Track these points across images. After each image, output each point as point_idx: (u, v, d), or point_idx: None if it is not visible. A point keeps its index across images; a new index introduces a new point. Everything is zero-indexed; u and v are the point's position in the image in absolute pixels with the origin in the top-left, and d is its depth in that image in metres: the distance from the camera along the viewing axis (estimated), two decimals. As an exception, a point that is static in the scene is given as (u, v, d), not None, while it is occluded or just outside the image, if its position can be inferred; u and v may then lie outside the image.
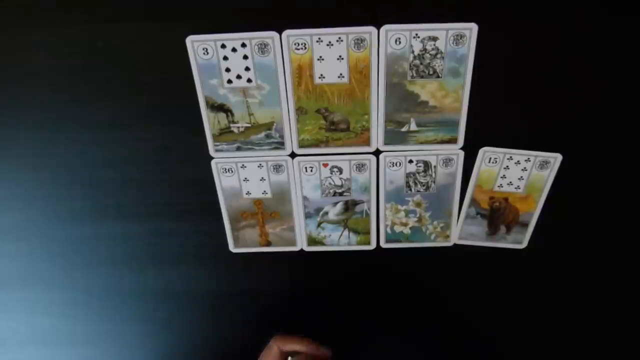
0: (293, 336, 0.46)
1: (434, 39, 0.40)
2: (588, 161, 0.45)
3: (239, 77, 0.42)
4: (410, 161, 0.45)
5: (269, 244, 0.50)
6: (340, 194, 0.47)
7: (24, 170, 0.47)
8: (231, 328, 0.55)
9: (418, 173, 0.46)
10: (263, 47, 0.40)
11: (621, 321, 0.53)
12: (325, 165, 0.45)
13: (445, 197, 0.47)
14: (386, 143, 0.44)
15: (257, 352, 0.50)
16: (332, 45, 0.40)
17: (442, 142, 0.44)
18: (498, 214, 0.47)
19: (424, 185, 0.46)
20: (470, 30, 0.39)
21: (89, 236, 0.50)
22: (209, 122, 0.44)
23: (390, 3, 0.39)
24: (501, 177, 0.45)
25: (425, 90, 0.42)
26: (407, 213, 0.48)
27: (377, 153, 0.45)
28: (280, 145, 0.45)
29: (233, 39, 0.40)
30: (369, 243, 0.49)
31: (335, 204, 0.47)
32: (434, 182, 0.46)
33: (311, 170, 0.46)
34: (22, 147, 0.46)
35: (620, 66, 0.41)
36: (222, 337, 0.55)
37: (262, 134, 0.44)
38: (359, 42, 0.40)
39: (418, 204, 0.47)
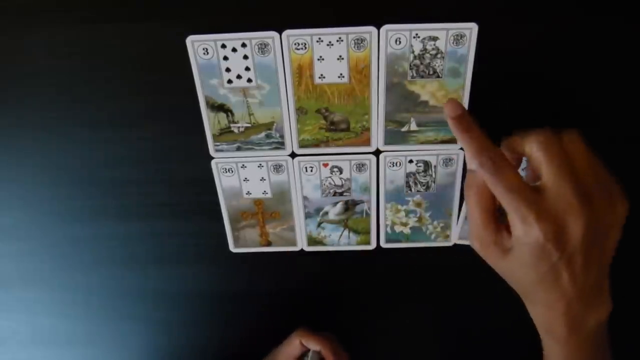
0: (316, 333, 0.47)
1: (434, 39, 0.40)
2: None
3: (239, 77, 0.42)
4: (411, 161, 0.45)
5: (269, 244, 0.50)
6: (341, 194, 0.47)
7: (24, 170, 0.47)
8: (231, 328, 0.55)
9: (418, 173, 0.46)
10: (263, 47, 0.40)
11: (621, 321, 0.53)
12: (326, 165, 0.45)
13: (445, 197, 0.47)
14: (386, 143, 0.44)
15: (257, 352, 0.51)
16: (332, 45, 0.40)
17: (443, 142, 0.44)
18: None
19: (424, 185, 0.46)
20: (470, 30, 0.39)
21: (89, 236, 0.50)
22: (209, 122, 0.44)
23: (390, 3, 0.39)
24: (501, 177, 0.45)
25: (425, 90, 0.42)
26: (407, 213, 0.48)
27: (377, 153, 0.45)
28: (281, 145, 0.45)
29: (233, 39, 0.40)
30: (369, 243, 0.49)
31: (335, 204, 0.47)
32: (434, 182, 0.46)
33: (311, 170, 0.46)
34: (22, 147, 0.46)
35: (622, 66, 0.41)
36: (221, 337, 0.55)
37: (262, 134, 0.44)
38: (359, 42, 0.40)
39: (418, 204, 0.47)
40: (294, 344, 0.47)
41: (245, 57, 0.41)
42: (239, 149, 0.45)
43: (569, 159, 0.33)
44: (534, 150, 0.34)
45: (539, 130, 0.34)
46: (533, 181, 0.35)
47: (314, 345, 0.46)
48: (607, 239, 0.34)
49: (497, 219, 0.36)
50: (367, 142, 0.44)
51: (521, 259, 0.34)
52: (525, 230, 0.33)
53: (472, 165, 0.35)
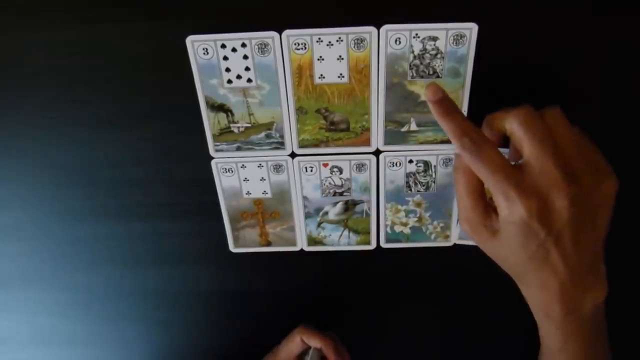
0: (317, 331, 0.47)
1: (434, 39, 0.40)
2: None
3: (239, 77, 0.42)
4: (410, 161, 0.45)
5: (269, 244, 0.50)
6: (340, 194, 0.47)
7: (24, 170, 0.47)
8: (231, 328, 0.55)
9: (418, 173, 0.46)
10: (263, 47, 0.40)
11: (619, 320, 0.53)
12: (325, 165, 0.45)
13: (445, 197, 0.47)
14: (386, 143, 0.44)
15: (257, 352, 0.51)
16: (332, 45, 0.40)
17: (442, 142, 0.44)
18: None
19: (424, 185, 0.46)
20: (470, 30, 0.39)
21: (89, 236, 0.50)
22: (209, 122, 0.44)
23: (390, 3, 0.39)
24: (501, 177, 0.45)
25: (425, 90, 0.42)
26: (407, 213, 0.48)
27: (377, 153, 0.45)
28: (280, 145, 0.45)
29: (233, 39, 0.40)
30: (369, 243, 0.49)
31: (335, 203, 0.47)
32: (434, 182, 0.46)
33: (311, 170, 0.46)
34: (22, 147, 0.46)
35: (623, 65, 0.41)
36: (222, 337, 0.55)
37: (262, 134, 0.44)
38: (359, 42, 0.40)
39: (418, 204, 0.47)
40: (296, 341, 0.47)
41: (245, 57, 0.41)
42: (239, 149, 0.45)
43: (551, 134, 0.33)
44: (514, 127, 0.33)
45: (520, 106, 0.34)
46: (515, 160, 0.34)
47: (315, 343, 0.46)
48: (596, 217, 0.34)
49: (487, 201, 0.36)
50: (367, 142, 0.44)
51: (509, 239, 0.34)
52: (509, 208, 0.32)
53: (455, 148, 0.35)
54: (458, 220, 0.37)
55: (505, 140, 0.36)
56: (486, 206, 0.35)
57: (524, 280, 0.36)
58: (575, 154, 0.33)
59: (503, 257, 0.36)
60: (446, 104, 0.35)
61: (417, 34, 0.39)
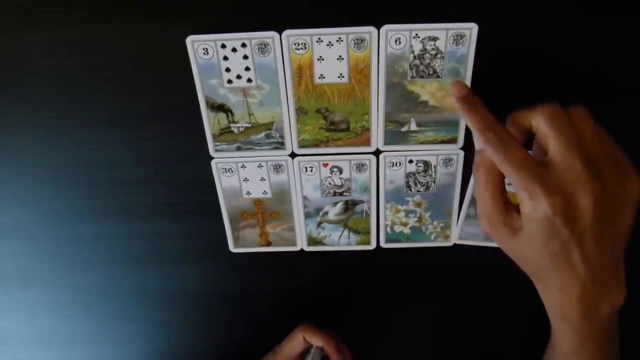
0: (319, 330, 0.47)
1: (434, 39, 0.40)
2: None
3: (239, 77, 0.42)
4: (410, 161, 0.45)
5: (269, 244, 0.50)
6: (340, 194, 0.47)
7: (24, 170, 0.47)
8: (231, 328, 0.55)
9: (418, 173, 0.46)
10: (263, 47, 0.40)
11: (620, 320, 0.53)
12: (325, 165, 0.45)
13: (445, 197, 0.47)
14: (386, 143, 0.44)
15: (256, 352, 0.51)
16: (332, 45, 0.40)
17: (442, 142, 0.44)
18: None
19: (424, 185, 0.46)
20: (470, 30, 0.39)
21: (89, 236, 0.50)
22: (209, 122, 0.44)
23: (390, 3, 0.39)
24: (501, 177, 0.45)
25: (425, 90, 0.42)
26: (407, 213, 0.48)
27: (377, 153, 0.45)
28: (280, 145, 0.45)
29: (233, 39, 0.40)
30: (369, 243, 0.49)
31: (335, 203, 0.47)
32: (434, 182, 0.46)
33: (311, 170, 0.46)
34: (22, 147, 0.46)
35: (623, 66, 0.41)
36: (221, 337, 0.55)
37: (262, 134, 0.44)
38: (359, 42, 0.40)
39: (418, 204, 0.47)
40: (298, 339, 0.47)
41: (245, 57, 0.41)
42: (239, 149, 0.45)
43: (577, 132, 0.32)
44: (541, 123, 0.33)
45: (546, 103, 0.33)
46: (540, 157, 0.34)
47: (317, 341, 0.46)
48: (619, 217, 0.33)
49: (507, 198, 0.35)
50: (367, 142, 0.44)
51: (531, 237, 0.33)
52: (533, 205, 0.32)
53: (479, 144, 0.34)
54: (477, 217, 0.37)
55: (528, 140, 0.36)
56: (506, 203, 0.35)
57: (543, 281, 0.36)
58: (600, 153, 0.32)
59: (523, 256, 0.35)
60: (471, 100, 0.35)
61: (417, 34, 0.39)
